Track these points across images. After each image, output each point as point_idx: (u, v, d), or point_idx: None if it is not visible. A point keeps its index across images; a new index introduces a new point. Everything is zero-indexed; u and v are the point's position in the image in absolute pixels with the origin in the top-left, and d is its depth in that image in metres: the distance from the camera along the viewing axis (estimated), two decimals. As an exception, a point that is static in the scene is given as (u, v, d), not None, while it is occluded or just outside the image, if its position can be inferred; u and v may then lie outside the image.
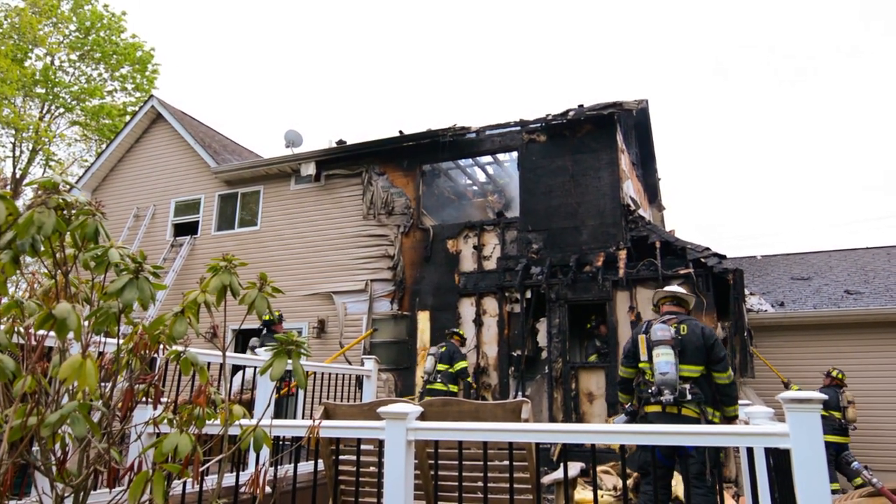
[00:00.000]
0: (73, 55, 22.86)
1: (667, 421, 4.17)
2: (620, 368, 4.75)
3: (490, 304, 9.88)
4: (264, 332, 8.40)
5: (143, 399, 2.03)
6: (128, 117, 20.98)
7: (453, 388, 8.42)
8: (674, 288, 4.89)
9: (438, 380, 8.39)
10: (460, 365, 8.53)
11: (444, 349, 8.60)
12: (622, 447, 2.77)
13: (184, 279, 12.23)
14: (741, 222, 50.51)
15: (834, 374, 8.58)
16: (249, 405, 5.64)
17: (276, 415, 6.83)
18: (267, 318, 8.70)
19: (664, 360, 4.24)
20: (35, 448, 1.86)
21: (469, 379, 8.99)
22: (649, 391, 4.33)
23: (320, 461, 3.86)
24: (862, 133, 53.88)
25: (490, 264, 10.13)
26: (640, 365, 4.50)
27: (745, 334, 8.22)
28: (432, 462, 3.62)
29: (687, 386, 4.21)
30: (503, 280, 9.77)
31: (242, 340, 11.55)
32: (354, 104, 77.36)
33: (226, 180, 12.84)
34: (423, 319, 10.31)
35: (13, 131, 21.63)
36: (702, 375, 4.32)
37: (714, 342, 4.37)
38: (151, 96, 14.76)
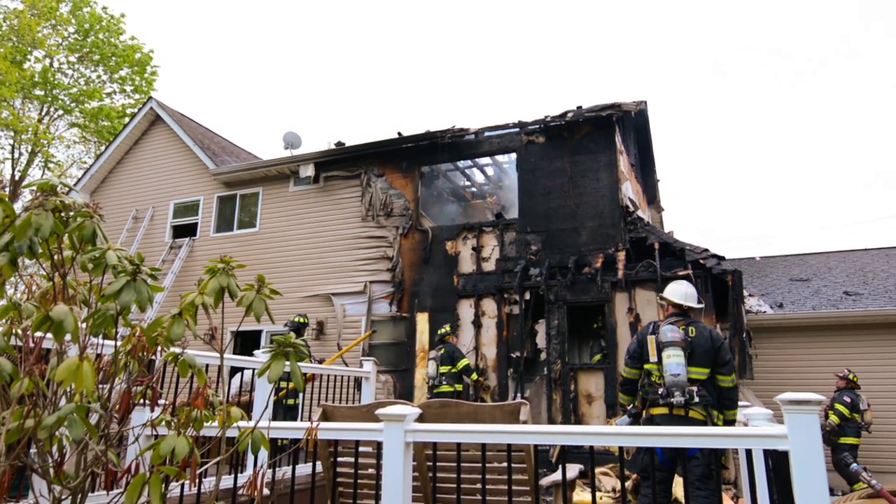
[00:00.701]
0: (71, 57, 22.86)
1: (674, 423, 4.13)
2: (624, 369, 4.71)
3: (489, 305, 9.88)
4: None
5: (141, 401, 2.02)
6: (127, 119, 20.98)
7: (459, 387, 8.56)
8: (684, 295, 4.77)
9: (444, 382, 8.44)
10: (463, 362, 8.67)
11: (442, 351, 8.68)
12: (621, 449, 2.77)
13: (182, 281, 12.22)
14: (740, 224, 50.59)
15: (851, 377, 8.59)
16: (248, 407, 5.64)
17: (276, 417, 6.82)
18: (295, 319, 8.77)
19: (675, 362, 4.21)
20: (32, 450, 1.86)
21: (475, 376, 9.03)
22: (657, 393, 4.31)
23: (318, 463, 3.86)
24: (861, 134, 54.00)
25: (489, 266, 10.13)
26: (647, 366, 4.47)
27: (744, 336, 8.22)
28: (431, 464, 3.62)
29: (695, 388, 4.21)
30: (502, 281, 9.77)
31: (241, 342, 11.55)
32: (353, 105, 77.45)
33: (225, 182, 12.83)
34: (422, 321, 10.30)
35: (12, 133, 21.61)
36: (708, 378, 4.31)
37: (721, 345, 4.37)
38: (150, 98, 14.75)
